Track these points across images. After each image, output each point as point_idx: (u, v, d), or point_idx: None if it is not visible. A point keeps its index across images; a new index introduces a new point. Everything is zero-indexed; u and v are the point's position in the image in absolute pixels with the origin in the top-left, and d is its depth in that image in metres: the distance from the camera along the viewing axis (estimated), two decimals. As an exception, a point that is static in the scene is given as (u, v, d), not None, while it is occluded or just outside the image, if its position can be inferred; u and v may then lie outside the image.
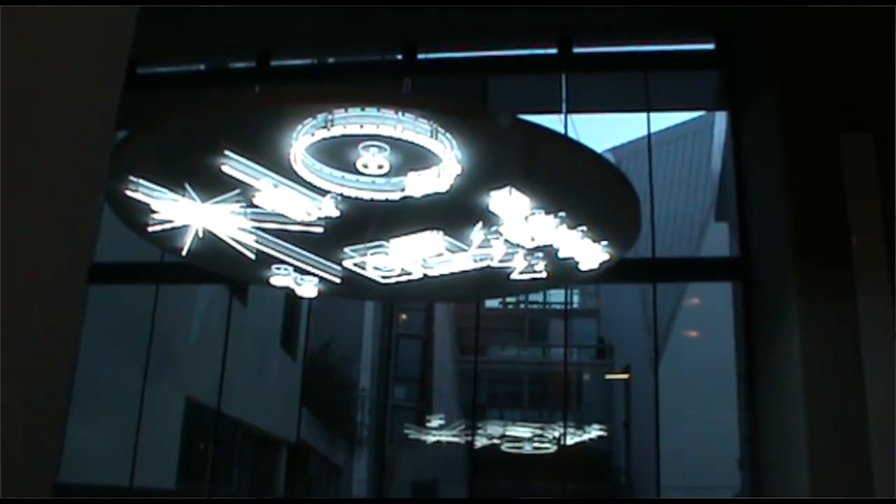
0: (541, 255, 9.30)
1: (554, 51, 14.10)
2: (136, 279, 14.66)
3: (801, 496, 9.71)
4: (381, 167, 7.58)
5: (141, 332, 14.16)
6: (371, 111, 7.10)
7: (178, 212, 8.53)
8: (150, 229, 8.89)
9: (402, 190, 7.85)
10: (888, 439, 9.14)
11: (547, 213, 8.39)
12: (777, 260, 11.29)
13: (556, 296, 45.36)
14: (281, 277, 10.17)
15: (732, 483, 14.33)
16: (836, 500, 9.00)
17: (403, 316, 39.02)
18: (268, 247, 9.33)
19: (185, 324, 17.95)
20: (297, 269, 10.03)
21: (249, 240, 9.05)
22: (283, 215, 8.42)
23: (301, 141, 7.35)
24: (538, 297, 47.90)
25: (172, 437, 17.71)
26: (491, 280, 9.94)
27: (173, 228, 8.78)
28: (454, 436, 29.73)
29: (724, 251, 14.40)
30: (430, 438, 30.70)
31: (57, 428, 6.09)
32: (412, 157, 7.53)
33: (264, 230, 9.00)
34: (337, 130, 7.12)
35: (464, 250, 9.16)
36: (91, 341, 13.52)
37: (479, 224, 8.65)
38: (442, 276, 9.67)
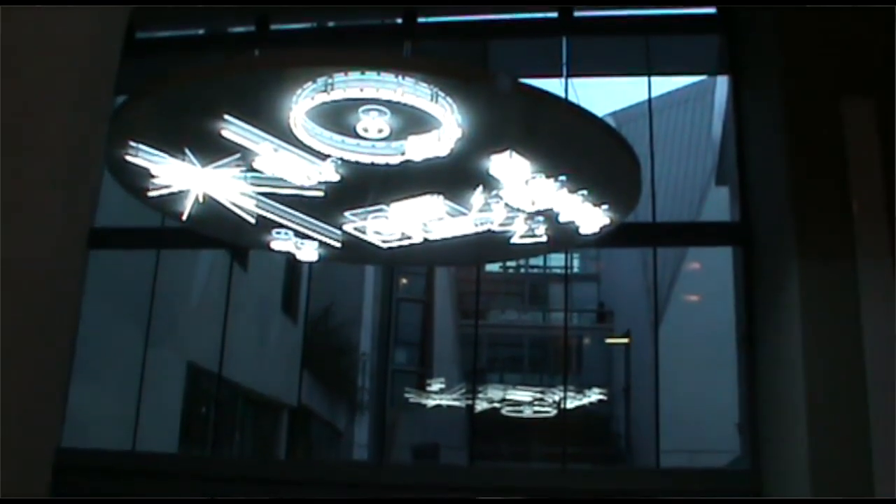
0: (541, 219, 9.29)
1: (554, 14, 14.03)
2: (137, 244, 14.67)
3: (799, 460, 9.75)
4: (381, 131, 7.56)
5: (142, 297, 14.17)
6: (371, 75, 7.07)
7: (178, 176, 8.52)
8: (151, 194, 8.88)
9: (403, 154, 7.83)
10: (888, 402, 9.17)
11: (547, 176, 8.37)
12: (777, 224, 11.28)
13: (557, 260, 45.39)
14: (281, 242, 10.17)
15: (732, 447, 14.38)
16: (836, 499, 9.03)
17: (404, 280, 39.03)
18: (268, 211, 9.32)
19: (185, 288, 17.97)
20: (298, 234, 10.02)
21: (250, 204, 9.04)
22: (283, 179, 8.41)
23: (301, 105, 7.32)
24: (538, 261, 47.92)
25: (174, 402, 17.77)
26: (491, 244, 9.93)
27: (173, 193, 8.77)
28: (454, 400, 29.78)
29: (725, 216, 14.39)
30: (431, 402, 30.76)
31: (59, 393, 6.12)
32: (412, 121, 7.51)
33: (264, 194, 8.99)
34: (337, 94, 7.10)
35: (464, 214, 9.15)
36: (93, 306, 13.56)
37: (480, 188, 8.63)
38: (442, 240, 9.67)
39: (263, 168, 8.18)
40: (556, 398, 27.73)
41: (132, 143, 8.20)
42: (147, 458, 13.49)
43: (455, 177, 8.48)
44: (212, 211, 9.09)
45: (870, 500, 8.90)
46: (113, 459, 13.28)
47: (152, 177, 8.58)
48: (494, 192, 8.70)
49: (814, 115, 10.84)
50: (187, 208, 8.91)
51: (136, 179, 8.81)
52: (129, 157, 8.28)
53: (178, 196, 8.82)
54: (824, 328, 9.93)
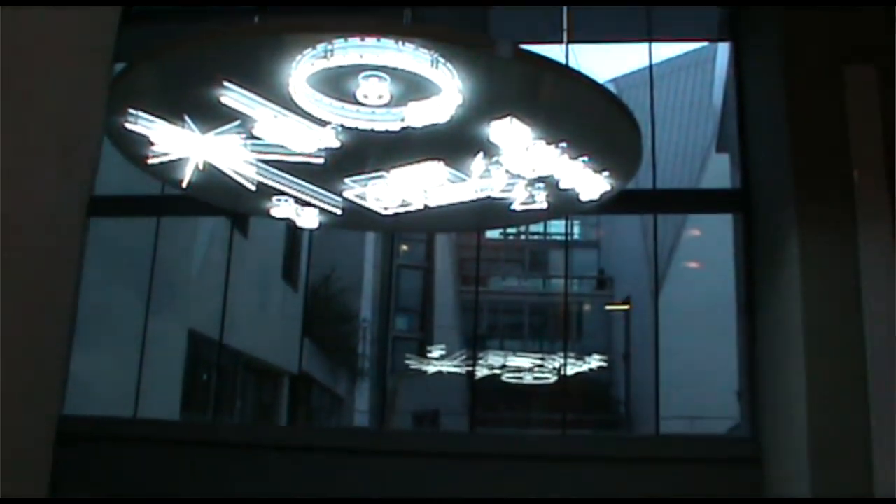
0: (541, 185, 9.28)
1: (555, -20, 13.95)
2: (138, 212, 14.66)
3: (798, 427, 9.79)
4: (381, 97, 7.54)
5: (143, 265, 14.18)
6: (371, 41, 7.04)
7: (178, 144, 8.50)
8: (150, 161, 8.87)
9: (403, 120, 7.82)
10: (887, 369, 9.19)
11: (548, 143, 8.36)
12: (778, 192, 11.27)
13: (557, 227, 45.35)
14: (282, 208, 10.16)
15: (731, 414, 14.44)
16: (836, 499, 9.06)
17: (404, 247, 39.04)
18: (268, 178, 9.31)
19: (186, 256, 17.98)
20: (298, 201, 10.01)
21: (250, 171, 9.03)
22: (283, 146, 8.40)
23: (301, 71, 7.30)
24: (539, 227, 47.88)
25: (175, 369, 17.83)
26: (491, 210, 9.93)
27: (173, 160, 8.76)
28: (455, 366, 29.85)
29: (725, 183, 14.37)
30: (431, 369, 30.83)
31: (60, 361, 6.14)
32: (412, 88, 7.49)
33: (265, 161, 8.98)
34: (337, 61, 7.08)
35: (464, 181, 9.14)
36: (94, 274, 13.58)
37: (480, 154, 8.62)
38: (443, 206, 9.67)
39: (263, 135, 8.16)
40: (557, 365, 27.78)
41: (131, 111, 8.18)
42: (149, 424, 13.55)
43: (455, 143, 8.47)
44: (212, 178, 9.08)
45: (870, 500, 8.94)
46: (115, 426, 13.34)
47: (152, 144, 8.57)
48: (495, 159, 8.69)
49: (815, 82, 10.80)
50: (187, 175, 8.91)
51: (136, 147, 8.80)
52: (128, 125, 8.27)
53: (178, 163, 8.81)
54: (824, 295, 9.94)
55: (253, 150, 8.65)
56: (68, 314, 6.30)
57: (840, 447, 9.47)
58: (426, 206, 9.72)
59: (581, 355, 29.19)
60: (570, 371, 25.41)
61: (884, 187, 9.68)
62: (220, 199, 10.68)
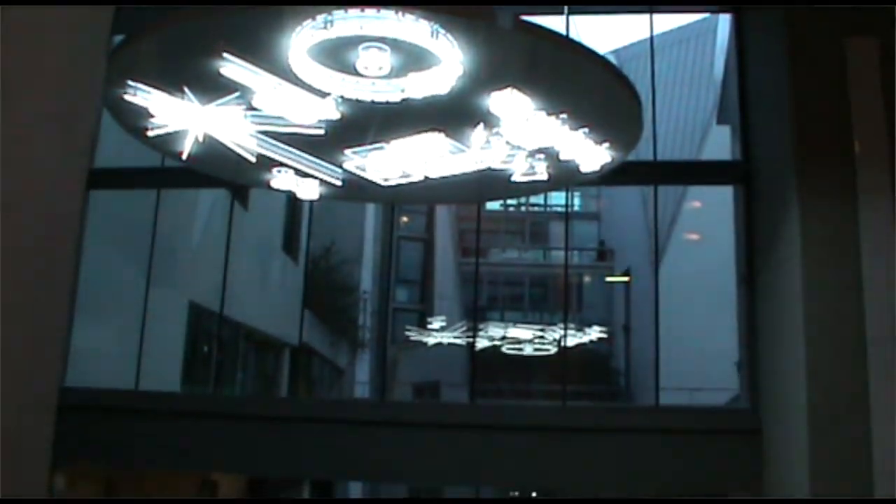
0: (542, 156, 9.27)
1: (556, -50, 13.87)
2: (138, 184, 14.64)
3: (797, 398, 9.82)
4: (381, 69, 7.51)
5: (143, 237, 14.18)
6: (371, 12, 7.01)
7: (177, 116, 8.49)
8: (150, 134, 8.86)
9: (403, 91, 7.80)
10: (886, 341, 9.21)
11: (548, 114, 8.34)
12: (778, 163, 11.26)
13: (557, 198, 45.28)
14: (282, 180, 10.15)
15: (731, 385, 14.47)
16: (836, 500, 9.08)
17: (405, 218, 39.04)
18: (268, 149, 9.29)
19: (186, 228, 17.97)
20: (298, 172, 10.00)
21: (250, 143, 9.01)
22: (283, 118, 8.38)
23: (301, 43, 7.27)
24: (539, 199, 47.83)
25: (176, 341, 17.85)
26: (492, 182, 9.93)
27: (173, 132, 8.74)
28: (455, 338, 29.91)
29: (726, 154, 14.35)
30: (432, 340, 30.89)
31: (60, 332, 6.14)
32: (413, 59, 7.47)
33: (265, 133, 8.96)
34: (337, 32, 7.05)
35: (465, 152, 9.12)
36: (94, 247, 13.58)
37: (480, 125, 8.60)
38: (443, 177, 9.66)
39: (263, 106, 8.15)
40: (557, 336, 27.84)
41: (130, 83, 8.16)
42: (150, 396, 13.60)
43: (455, 114, 8.45)
44: (212, 150, 9.06)
45: (871, 500, 8.97)
46: (116, 398, 13.39)
47: (151, 116, 8.56)
48: (495, 130, 8.67)
49: (817, 54, 10.77)
50: (187, 148, 8.90)
51: (136, 119, 8.78)
52: (127, 97, 8.25)
53: (178, 135, 8.79)
54: (824, 267, 9.95)
55: (253, 122, 8.63)
56: (69, 286, 6.30)
57: (839, 418, 9.50)
58: (426, 178, 9.71)
59: (581, 327, 29.25)
60: (571, 342, 25.44)
61: (885, 159, 9.67)
62: (220, 170, 10.67)
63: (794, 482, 9.94)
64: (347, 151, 9.45)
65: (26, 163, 5.26)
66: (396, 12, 7.01)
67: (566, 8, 13.37)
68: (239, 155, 9.13)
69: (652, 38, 14.78)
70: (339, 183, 10.10)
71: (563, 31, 13.06)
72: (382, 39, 7.21)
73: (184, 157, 9.18)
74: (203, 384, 18.39)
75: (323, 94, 8.03)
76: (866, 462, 9.10)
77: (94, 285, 14.23)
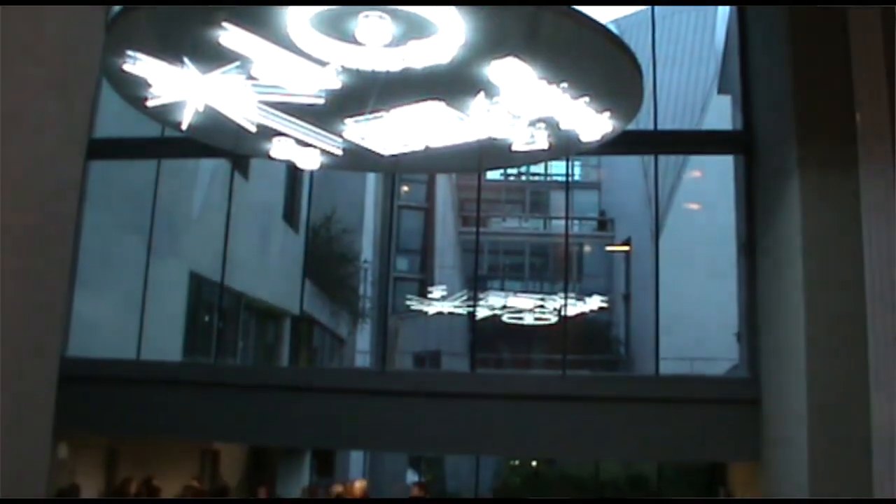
0: (542, 125, 9.25)
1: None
2: (138, 154, 14.61)
3: (797, 368, 9.84)
4: (381, 38, 7.48)
5: (144, 208, 14.18)
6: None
7: (177, 85, 8.46)
8: (149, 104, 8.83)
9: (403, 60, 7.77)
10: (885, 309, 9.22)
11: (549, 83, 8.31)
12: (779, 133, 11.23)
13: (558, 168, 45.27)
14: (282, 150, 10.12)
15: (730, 355, 14.51)
16: (837, 500, 9.10)
17: (405, 187, 39.01)
18: (268, 119, 9.27)
19: (187, 198, 17.95)
20: (299, 142, 9.98)
21: (250, 112, 8.99)
22: (283, 87, 8.36)
23: (301, 12, 7.24)
24: (539, 168, 47.79)
25: (177, 311, 17.88)
26: (492, 151, 9.91)
27: (172, 102, 8.72)
28: (456, 307, 29.95)
29: (727, 124, 14.32)
30: (432, 309, 30.94)
31: (61, 302, 6.15)
32: (413, 28, 7.44)
33: (265, 103, 8.94)
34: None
35: (465, 121, 9.10)
36: (95, 218, 13.57)
37: (481, 94, 8.58)
38: (443, 147, 9.63)
39: (263, 76, 8.12)
40: (557, 305, 27.86)
41: (129, 53, 8.13)
42: (151, 366, 13.63)
43: (456, 83, 8.43)
44: (212, 119, 9.04)
45: (871, 500, 8.99)
46: (118, 368, 13.42)
47: (150, 86, 8.53)
48: (495, 99, 8.65)
49: (819, 24, 10.70)
50: (187, 117, 8.87)
51: (135, 89, 8.75)
52: (126, 67, 8.22)
53: (178, 105, 8.77)
54: (824, 237, 9.94)
55: (253, 92, 8.61)
56: (69, 256, 6.31)
57: (838, 387, 9.52)
58: (427, 147, 9.69)
59: (581, 296, 29.28)
60: (571, 312, 25.49)
61: (886, 128, 9.64)
62: (220, 140, 10.64)
63: (793, 451, 9.98)
64: (348, 121, 9.43)
65: (26, 133, 5.25)
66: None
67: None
68: (239, 125, 9.10)
69: (653, 7, 14.74)
70: (339, 152, 10.08)
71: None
72: (382, 8, 7.18)
73: (184, 127, 9.16)
74: (204, 354, 18.42)
75: (323, 64, 8.00)
76: (865, 430, 9.13)
77: (95, 256, 14.24)
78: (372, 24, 7.36)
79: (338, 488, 16.97)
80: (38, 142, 5.38)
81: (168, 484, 14.77)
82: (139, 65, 8.21)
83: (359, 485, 17.17)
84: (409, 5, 7.14)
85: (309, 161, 10.40)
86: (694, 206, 26.72)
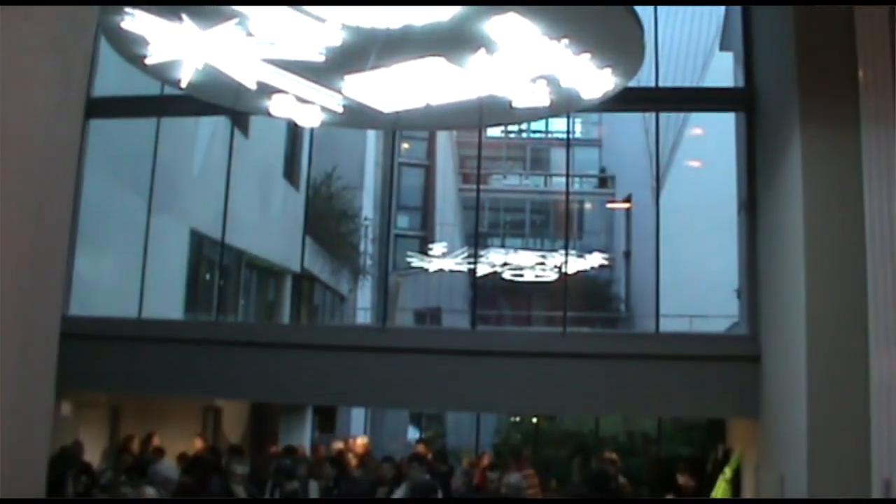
0: (543, 82, 9.22)
1: None
2: (137, 113, 14.56)
3: (797, 325, 9.86)
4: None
5: (144, 166, 14.15)
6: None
7: (176, 43, 8.42)
8: (148, 61, 8.80)
9: (404, 17, 7.74)
10: (886, 268, 9.22)
11: (550, 39, 8.28)
12: (781, 90, 11.19)
13: (558, 124, 45.17)
14: (282, 106, 10.09)
15: (730, 312, 14.54)
16: (838, 500, 9.11)
17: (405, 144, 38.96)
18: (268, 76, 9.24)
19: (187, 156, 17.92)
20: (299, 99, 9.95)
21: (250, 70, 8.96)
22: (283, 44, 8.32)
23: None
24: (540, 126, 47.71)
25: (178, 269, 17.90)
26: (493, 108, 9.88)
27: (171, 60, 8.68)
28: (456, 264, 30.01)
29: (729, 81, 14.26)
30: (433, 267, 31.00)
31: (61, 261, 6.15)
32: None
33: (265, 60, 8.90)
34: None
35: (466, 78, 9.07)
36: (95, 176, 13.55)
37: (482, 51, 8.55)
38: (444, 104, 9.61)
39: (262, 33, 8.08)
40: (558, 262, 27.90)
41: (128, 10, 8.09)
42: (153, 324, 13.66)
43: (457, 40, 8.39)
44: (211, 77, 9.01)
45: (871, 500, 9.01)
46: (119, 326, 13.46)
47: (149, 44, 8.49)
48: (496, 55, 8.61)
49: (821, -23, 10.62)
50: (186, 75, 8.84)
51: (134, 47, 8.72)
52: (124, 24, 8.18)
53: (177, 63, 8.74)
54: (826, 194, 9.92)
55: (252, 49, 8.57)
56: (69, 215, 6.29)
57: (838, 343, 9.53)
58: (427, 104, 9.67)
59: (582, 253, 29.33)
60: (571, 269, 25.53)
61: (889, 86, 9.58)
62: (220, 98, 10.62)
63: (793, 408, 10.01)
64: (348, 77, 9.40)
65: (23, 92, 5.23)
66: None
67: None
68: (239, 82, 9.08)
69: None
70: (339, 109, 10.06)
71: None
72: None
73: (183, 84, 9.13)
74: (205, 311, 18.47)
75: (323, 20, 7.96)
76: (864, 387, 9.15)
77: (96, 215, 14.23)
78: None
79: (339, 445, 17.07)
80: (35, 100, 5.35)
81: (172, 441, 14.86)
82: (137, 22, 8.18)
83: (360, 441, 17.28)
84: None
85: (309, 118, 10.38)
86: (695, 164, 26.67)
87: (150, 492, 9.52)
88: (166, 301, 16.46)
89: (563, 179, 37.75)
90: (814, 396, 9.47)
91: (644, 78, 12.31)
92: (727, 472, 12.66)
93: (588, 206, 43.16)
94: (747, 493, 12.32)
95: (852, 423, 9.14)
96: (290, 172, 22.76)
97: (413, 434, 31.26)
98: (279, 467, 12.95)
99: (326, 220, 26.75)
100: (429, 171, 41.09)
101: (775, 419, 11.08)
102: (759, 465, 11.72)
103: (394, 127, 13.98)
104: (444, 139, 39.30)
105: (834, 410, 9.33)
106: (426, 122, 13.56)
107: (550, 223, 44.41)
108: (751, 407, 11.85)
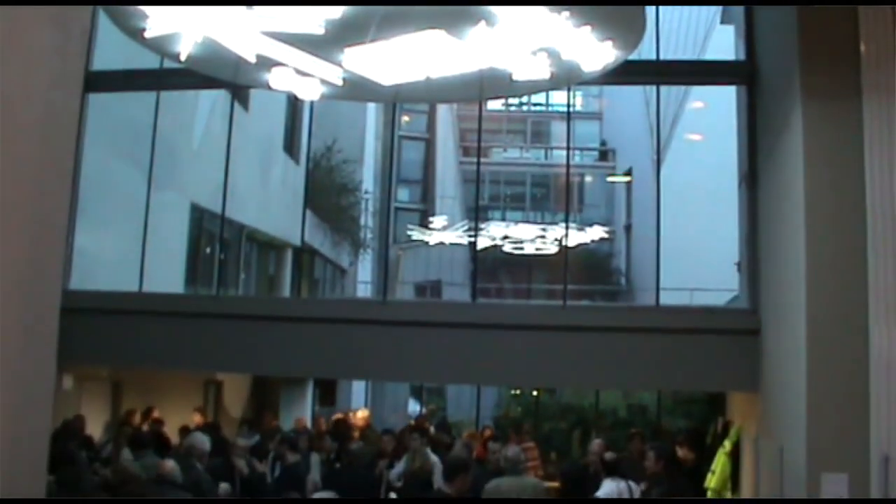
0: (544, 55, 9.19)
1: None
2: (137, 86, 14.52)
3: (797, 299, 9.87)
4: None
5: (144, 140, 14.13)
6: None
7: (175, 16, 8.38)
8: (147, 35, 8.76)
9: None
10: (887, 241, 9.22)
11: (551, 12, 8.24)
12: (783, 63, 11.15)
13: (559, 98, 45.09)
14: (282, 79, 10.06)
15: (731, 285, 14.55)
16: (838, 500, 9.11)
17: (406, 118, 38.93)
18: (268, 49, 9.20)
19: (187, 130, 17.91)
20: (299, 72, 9.92)
21: (249, 43, 8.92)
22: (282, 17, 8.29)
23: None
24: (540, 99, 47.64)
25: (179, 243, 17.92)
26: (493, 80, 9.85)
27: (171, 33, 8.65)
28: (457, 237, 30.04)
29: (730, 54, 14.21)
30: (433, 240, 31.03)
31: (62, 234, 6.16)
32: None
33: (264, 33, 8.87)
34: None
35: (466, 50, 9.04)
36: (95, 150, 13.53)
37: (482, 23, 8.51)
38: (444, 76, 9.58)
39: (262, 5, 8.05)
40: (558, 235, 27.91)
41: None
42: (154, 298, 13.67)
43: (457, 12, 8.35)
44: (211, 50, 8.98)
45: (871, 500, 9.02)
46: (120, 300, 13.46)
47: (147, 17, 8.46)
48: (497, 28, 8.58)
49: (823, -52, 10.57)
50: (185, 48, 8.81)
51: (133, 20, 8.68)
52: (124, -3, 8.15)
53: (176, 36, 8.70)
54: (827, 168, 9.90)
55: (252, 22, 8.53)
56: (69, 189, 6.29)
57: (838, 317, 9.54)
58: (427, 77, 9.63)
59: (582, 226, 29.33)
60: (572, 242, 25.54)
61: (891, 59, 9.55)
62: (219, 71, 10.58)
63: (792, 382, 10.03)
64: (348, 50, 9.36)
65: (22, 66, 5.22)
66: None
67: None
68: (238, 55, 9.04)
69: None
70: (339, 82, 10.02)
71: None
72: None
73: (182, 58, 9.10)
74: (206, 285, 18.51)
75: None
76: (864, 361, 9.16)
77: (96, 189, 14.23)
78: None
79: (340, 417, 17.15)
80: (34, 74, 5.35)
81: (173, 414, 14.93)
82: (137, -5, 8.15)
83: (361, 414, 17.37)
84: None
85: (309, 91, 10.34)
86: (695, 137, 26.63)
87: (170, 465, 9.54)
88: (167, 275, 16.49)
89: (564, 152, 37.77)
90: (813, 370, 9.49)
91: (645, 51, 12.28)
92: (727, 444, 12.70)
93: (588, 179, 43.16)
94: (747, 465, 12.37)
95: (852, 397, 9.16)
96: (291, 146, 22.78)
97: (414, 407, 31.39)
98: (281, 439, 13.04)
99: (327, 193, 26.79)
100: (429, 144, 41.08)
101: (775, 392, 11.11)
102: (759, 437, 11.76)
103: (394, 100, 13.94)
104: (444, 112, 39.24)
105: (834, 384, 9.34)
106: (426, 95, 13.52)
107: (551, 196, 44.43)
108: (750, 380, 11.88)
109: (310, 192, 19.64)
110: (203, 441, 10.98)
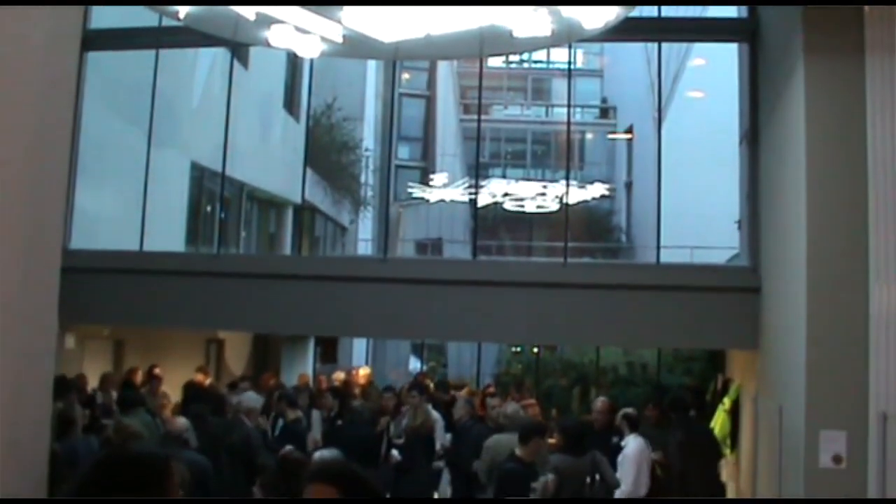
0: (545, 11, 9.13)
1: None
2: (135, 44, 14.44)
3: (797, 257, 9.87)
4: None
5: (143, 98, 14.07)
6: None
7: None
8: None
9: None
10: (888, 199, 9.22)
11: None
12: (785, 21, 11.08)
13: (560, 55, 44.85)
14: (281, 37, 10.00)
15: (731, 243, 14.56)
16: (837, 500, 9.11)
17: (406, 75, 38.78)
18: (267, 6, 9.15)
19: (186, 88, 17.84)
20: (298, 29, 9.86)
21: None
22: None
23: None
24: (541, 56, 47.41)
25: (179, 201, 17.92)
26: (494, 37, 9.80)
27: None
28: (458, 195, 30.04)
29: (731, 11, 14.12)
30: (434, 197, 31.03)
31: (62, 194, 6.16)
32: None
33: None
34: None
35: (466, 7, 8.98)
36: (94, 109, 13.49)
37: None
38: (444, 33, 9.53)
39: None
40: (559, 193, 27.91)
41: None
42: (154, 257, 13.67)
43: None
44: (209, 8, 8.93)
45: (870, 500, 9.02)
46: (121, 259, 13.47)
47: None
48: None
49: None
50: (184, 7, 8.76)
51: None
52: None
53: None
54: (828, 126, 9.87)
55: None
56: (68, 148, 6.29)
57: (838, 275, 9.55)
58: (427, 34, 9.59)
59: (583, 184, 29.32)
60: (573, 199, 25.54)
61: (894, 16, 9.50)
62: (218, 29, 10.52)
63: (792, 340, 10.06)
64: (347, 8, 9.31)
65: (19, 26, 5.20)
66: None
67: None
68: (237, 13, 9.00)
69: None
70: (339, 40, 9.97)
71: None
72: None
73: (181, 16, 9.05)
74: (207, 244, 18.52)
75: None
76: (863, 319, 9.19)
77: (96, 148, 14.20)
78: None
79: (341, 375, 17.21)
80: (31, 34, 5.33)
81: (175, 373, 14.98)
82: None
83: (363, 371, 17.45)
84: None
85: (309, 49, 10.29)
86: (697, 95, 26.53)
87: (182, 422, 9.55)
88: (168, 233, 16.50)
89: (565, 110, 37.54)
90: (813, 328, 9.51)
91: (646, 8, 12.21)
92: (726, 402, 12.78)
93: (589, 136, 43.06)
94: (746, 423, 12.44)
95: (851, 356, 9.19)
96: (291, 104, 22.70)
97: (414, 365, 31.50)
98: (281, 396, 13.10)
99: (327, 151, 26.74)
100: (430, 101, 40.97)
101: (775, 350, 11.14)
102: (758, 395, 11.82)
103: (394, 57, 13.86)
104: (444, 69, 39.09)
105: (833, 342, 9.37)
106: (427, 53, 13.46)
107: (552, 153, 44.33)
108: (750, 338, 11.91)
109: (310, 150, 19.55)
110: (254, 399, 11.61)
